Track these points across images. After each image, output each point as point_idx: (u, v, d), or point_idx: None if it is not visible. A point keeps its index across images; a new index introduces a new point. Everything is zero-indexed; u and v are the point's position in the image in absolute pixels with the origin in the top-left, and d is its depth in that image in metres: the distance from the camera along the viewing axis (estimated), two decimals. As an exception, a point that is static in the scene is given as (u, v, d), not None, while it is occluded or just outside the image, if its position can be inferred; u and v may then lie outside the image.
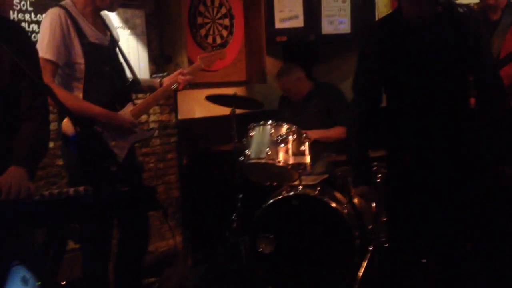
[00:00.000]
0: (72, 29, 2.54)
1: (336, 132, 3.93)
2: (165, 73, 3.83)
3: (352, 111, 2.64)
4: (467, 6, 2.57)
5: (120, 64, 2.80)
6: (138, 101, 2.94)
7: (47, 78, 2.43)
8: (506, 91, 2.48)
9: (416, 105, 2.41)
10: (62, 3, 2.63)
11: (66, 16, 2.53)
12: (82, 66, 2.57)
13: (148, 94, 3.07)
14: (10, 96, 2.08)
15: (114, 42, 2.79)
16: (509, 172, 2.43)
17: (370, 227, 3.44)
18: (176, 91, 2.99)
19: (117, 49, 2.80)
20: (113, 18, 3.58)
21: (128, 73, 2.87)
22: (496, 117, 2.39)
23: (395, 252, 2.67)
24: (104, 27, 2.76)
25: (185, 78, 2.92)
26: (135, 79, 2.83)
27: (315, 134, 3.82)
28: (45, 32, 2.53)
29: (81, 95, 2.59)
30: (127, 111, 2.68)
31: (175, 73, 2.98)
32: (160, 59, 3.96)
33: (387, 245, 3.52)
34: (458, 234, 2.47)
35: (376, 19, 4.45)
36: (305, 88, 4.15)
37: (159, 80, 3.01)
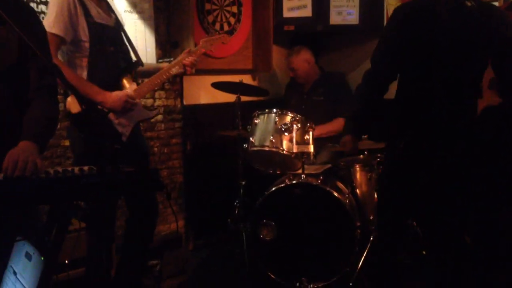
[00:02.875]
0: (79, 8, 2.58)
1: (336, 125, 3.95)
2: (171, 58, 3.85)
3: (355, 102, 2.74)
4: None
5: (125, 45, 2.82)
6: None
7: (52, 53, 2.44)
8: None
9: (423, 94, 2.43)
10: None
11: None
12: (87, 44, 2.60)
13: None
14: (19, 75, 2.10)
15: (119, 24, 2.82)
16: None
17: (371, 217, 3.46)
18: (183, 74, 2.99)
19: (122, 32, 2.82)
20: (121, 2, 3.60)
21: (133, 57, 2.89)
22: None
23: (384, 236, 2.70)
24: (108, 9, 2.79)
25: (189, 60, 2.94)
26: (139, 61, 2.85)
27: (322, 129, 3.86)
28: (52, 9, 2.58)
29: (85, 73, 2.61)
30: (130, 90, 2.69)
31: (181, 55, 3.00)
32: (167, 44, 3.96)
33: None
34: (450, 222, 2.49)
35: (385, 11, 4.45)
36: (313, 74, 4.17)
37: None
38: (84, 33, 2.59)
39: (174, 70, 2.90)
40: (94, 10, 2.65)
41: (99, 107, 2.60)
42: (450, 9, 2.37)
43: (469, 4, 2.35)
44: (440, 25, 2.36)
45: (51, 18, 2.56)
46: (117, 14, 2.86)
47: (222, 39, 3.24)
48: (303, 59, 4.10)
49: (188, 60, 2.95)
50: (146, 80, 2.87)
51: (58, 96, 2.28)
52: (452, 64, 2.39)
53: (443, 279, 2.60)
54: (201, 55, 3.11)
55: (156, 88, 2.86)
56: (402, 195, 2.53)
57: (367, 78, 2.64)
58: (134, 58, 2.86)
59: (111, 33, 2.72)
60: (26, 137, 2.00)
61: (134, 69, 2.82)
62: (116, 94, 2.62)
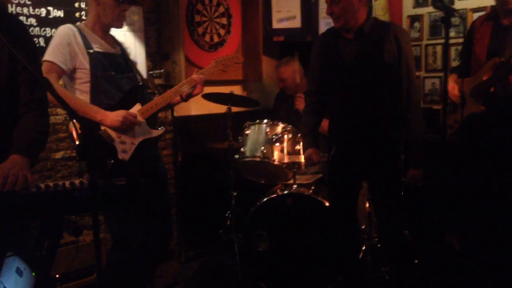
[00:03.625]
0: (79, 40, 2.66)
1: (324, 123, 3.97)
2: (162, 70, 3.85)
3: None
4: (391, 23, 3.10)
5: (131, 72, 2.83)
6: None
7: (53, 80, 2.51)
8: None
9: (342, 107, 2.89)
10: (76, 24, 2.75)
11: (75, 31, 2.67)
12: (87, 72, 2.65)
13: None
14: (9, 90, 2.09)
15: (124, 53, 2.87)
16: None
17: (363, 226, 3.47)
18: (191, 96, 2.92)
19: (129, 61, 2.87)
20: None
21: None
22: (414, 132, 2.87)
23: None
24: (115, 43, 2.85)
25: (199, 77, 2.88)
26: (144, 83, 2.87)
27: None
28: (53, 42, 2.67)
29: (87, 97, 2.64)
30: (134, 110, 2.70)
31: (190, 77, 2.93)
32: (157, 56, 3.97)
33: (379, 245, 3.58)
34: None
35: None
36: (301, 85, 4.18)
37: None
38: (85, 61, 2.65)
39: (186, 89, 2.87)
40: (96, 42, 2.72)
41: (101, 132, 2.61)
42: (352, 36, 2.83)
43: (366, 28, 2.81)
44: (345, 49, 2.83)
45: (50, 49, 2.64)
46: (124, 47, 2.92)
47: (236, 59, 3.15)
48: (292, 70, 4.12)
49: (200, 77, 2.89)
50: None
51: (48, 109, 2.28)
52: (358, 80, 2.81)
53: None
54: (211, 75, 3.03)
55: (161, 108, 2.79)
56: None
57: (307, 102, 3.17)
58: (140, 82, 2.87)
59: (114, 60, 2.76)
60: (16, 151, 1.99)
61: (140, 91, 2.82)
62: (115, 112, 2.63)
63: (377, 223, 3.09)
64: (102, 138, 2.58)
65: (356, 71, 2.80)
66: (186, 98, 2.89)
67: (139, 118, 2.70)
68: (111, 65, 2.72)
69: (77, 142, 2.52)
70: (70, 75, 2.67)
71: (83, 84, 2.67)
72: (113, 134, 2.63)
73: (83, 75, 2.66)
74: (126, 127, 2.63)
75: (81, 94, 2.67)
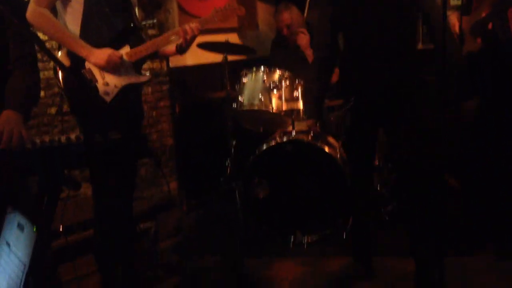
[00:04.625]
0: None
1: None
2: (154, 20, 3.78)
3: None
4: None
5: (127, 10, 2.71)
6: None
7: (44, 4, 2.41)
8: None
9: (365, 46, 2.60)
10: None
11: None
12: (81, 4, 2.52)
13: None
14: None
15: None
16: (468, 108, 2.74)
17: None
18: (182, 47, 2.83)
19: None
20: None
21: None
22: (450, 58, 2.49)
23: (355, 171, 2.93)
24: None
25: (191, 26, 2.70)
26: (137, 25, 2.77)
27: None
28: None
29: (77, 33, 2.56)
30: (122, 52, 2.64)
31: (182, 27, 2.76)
32: (149, 5, 3.88)
33: (378, 189, 3.62)
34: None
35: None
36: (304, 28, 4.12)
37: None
38: None
39: (174, 38, 2.76)
40: None
41: (85, 71, 2.55)
42: None
43: None
44: None
45: None
46: None
47: (237, 11, 2.92)
48: (296, 13, 4.05)
49: (190, 26, 2.70)
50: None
51: (40, 64, 2.25)
52: (384, 13, 2.53)
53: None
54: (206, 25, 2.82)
55: (150, 53, 2.68)
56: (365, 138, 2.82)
57: (315, 60, 2.86)
58: (135, 23, 2.76)
59: None
60: (9, 107, 1.98)
61: (132, 33, 2.72)
62: (102, 49, 2.57)
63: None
64: (84, 78, 2.52)
65: (383, 7, 2.53)
66: (180, 50, 2.81)
67: (126, 59, 2.64)
68: (106, 1, 2.60)
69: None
70: (63, 3, 2.54)
71: (75, 17, 2.54)
72: (97, 74, 2.57)
73: (77, 7, 2.53)
74: (111, 67, 2.58)
75: (71, 26, 2.55)
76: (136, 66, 2.69)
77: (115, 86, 2.59)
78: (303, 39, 3.86)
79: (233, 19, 4.55)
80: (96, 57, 2.52)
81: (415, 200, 2.70)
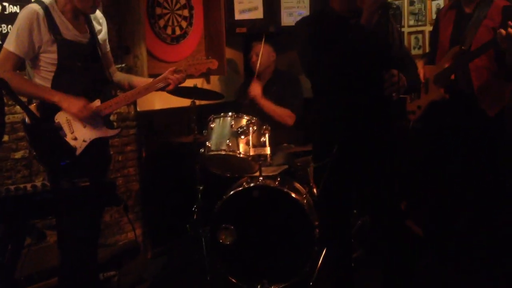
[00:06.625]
0: (44, 25, 2.52)
1: (283, 112, 4.02)
2: (123, 65, 3.79)
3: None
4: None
5: (98, 63, 2.73)
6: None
7: (8, 68, 2.47)
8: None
9: (342, 96, 2.63)
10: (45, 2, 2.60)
11: (40, 14, 2.53)
12: (52, 60, 2.56)
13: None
14: None
15: (94, 41, 2.73)
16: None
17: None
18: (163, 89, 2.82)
19: (98, 48, 2.74)
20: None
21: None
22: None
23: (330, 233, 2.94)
24: (86, 26, 2.71)
25: (177, 77, 2.79)
26: (108, 78, 2.78)
27: (267, 102, 3.98)
28: (15, 26, 2.56)
29: (48, 85, 2.56)
30: (93, 106, 2.63)
31: (165, 73, 2.82)
32: (118, 50, 3.89)
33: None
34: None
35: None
36: (269, 71, 4.23)
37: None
38: (50, 48, 2.54)
39: (160, 86, 2.79)
40: (64, 27, 2.59)
41: (55, 119, 2.53)
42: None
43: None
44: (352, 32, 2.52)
45: (11, 35, 2.54)
46: (99, 28, 2.78)
47: (210, 64, 3.02)
48: (269, 50, 4.19)
49: (175, 77, 2.78)
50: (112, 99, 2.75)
51: (6, 108, 2.22)
52: (363, 63, 2.55)
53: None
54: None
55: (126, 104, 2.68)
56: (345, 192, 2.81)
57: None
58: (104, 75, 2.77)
59: (81, 49, 2.65)
60: None
61: (103, 86, 2.73)
62: (77, 98, 2.56)
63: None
64: (53, 128, 2.50)
65: (367, 56, 2.55)
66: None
67: (101, 112, 2.63)
68: (78, 55, 2.62)
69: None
70: (33, 60, 2.58)
71: (46, 72, 2.58)
72: (66, 128, 2.55)
73: (48, 62, 2.56)
74: (81, 117, 2.57)
75: (41, 80, 2.58)
76: (105, 116, 2.69)
77: (84, 140, 2.59)
78: (255, 89, 3.96)
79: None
80: (70, 103, 2.51)
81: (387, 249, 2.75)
